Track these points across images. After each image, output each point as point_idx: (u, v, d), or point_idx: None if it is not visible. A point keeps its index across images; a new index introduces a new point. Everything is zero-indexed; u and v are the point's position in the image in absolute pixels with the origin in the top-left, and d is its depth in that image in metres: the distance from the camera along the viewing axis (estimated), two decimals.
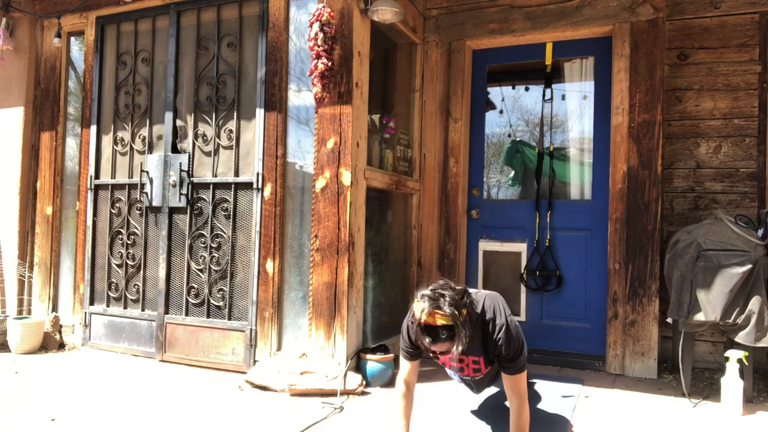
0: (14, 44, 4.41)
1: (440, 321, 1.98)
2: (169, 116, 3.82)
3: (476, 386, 2.52)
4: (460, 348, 2.01)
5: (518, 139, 4.56)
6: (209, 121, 3.70)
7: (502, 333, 2.16)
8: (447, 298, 2.00)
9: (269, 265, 3.44)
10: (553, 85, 4.07)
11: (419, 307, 2.01)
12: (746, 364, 2.90)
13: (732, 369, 2.80)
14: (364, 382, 3.16)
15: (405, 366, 2.30)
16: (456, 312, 1.98)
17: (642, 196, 3.54)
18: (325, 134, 3.30)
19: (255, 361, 3.44)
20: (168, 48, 3.84)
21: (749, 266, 2.87)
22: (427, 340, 2.00)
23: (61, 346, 4.08)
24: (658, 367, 3.49)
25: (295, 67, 3.50)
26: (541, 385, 3.24)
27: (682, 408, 2.91)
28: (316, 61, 3.21)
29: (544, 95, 4.08)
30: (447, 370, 2.55)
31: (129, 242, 3.94)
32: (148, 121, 3.93)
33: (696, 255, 3.02)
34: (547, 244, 3.94)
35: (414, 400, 2.32)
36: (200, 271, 3.67)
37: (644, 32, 3.57)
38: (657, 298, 3.47)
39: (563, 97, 4.16)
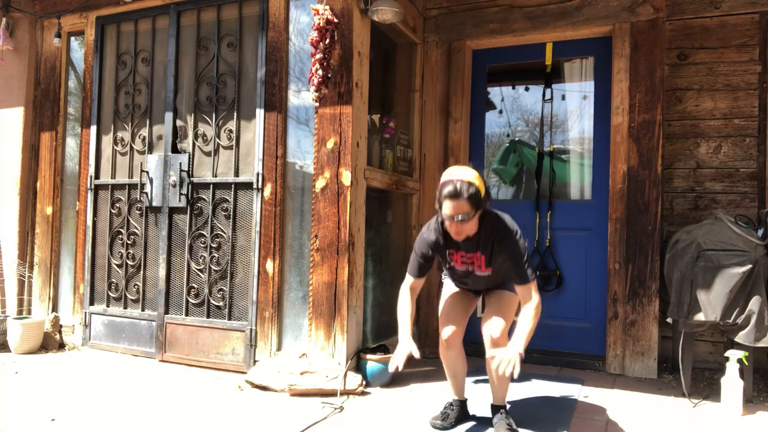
0: (14, 44, 4.41)
1: (465, 176, 2.25)
2: (169, 116, 3.82)
3: (474, 283, 2.59)
4: (473, 213, 2.22)
5: (518, 139, 4.56)
6: (209, 121, 3.70)
7: (506, 229, 2.36)
8: (471, 169, 2.31)
9: (269, 265, 3.44)
10: (553, 85, 4.08)
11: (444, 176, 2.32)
12: (746, 364, 2.90)
13: (732, 369, 2.80)
14: (364, 382, 3.16)
15: (410, 280, 2.48)
16: (478, 176, 2.28)
17: (642, 196, 3.54)
18: (325, 134, 3.30)
19: (255, 361, 3.44)
20: (168, 48, 3.85)
21: (749, 266, 2.87)
22: (449, 199, 2.22)
23: (61, 346, 4.08)
24: (658, 367, 3.49)
25: (295, 67, 3.50)
26: (540, 386, 3.25)
27: (682, 408, 2.91)
28: (315, 61, 3.21)
29: (544, 95, 4.08)
30: (447, 274, 2.68)
31: (129, 242, 3.94)
32: (148, 121, 3.93)
33: (696, 255, 3.02)
34: (548, 244, 3.94)
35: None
36: (200, 271, 3.67)
37: (644, 32, 3.57)
38: (657, 298, 3.47)
39: (563, 97, 4.16)
